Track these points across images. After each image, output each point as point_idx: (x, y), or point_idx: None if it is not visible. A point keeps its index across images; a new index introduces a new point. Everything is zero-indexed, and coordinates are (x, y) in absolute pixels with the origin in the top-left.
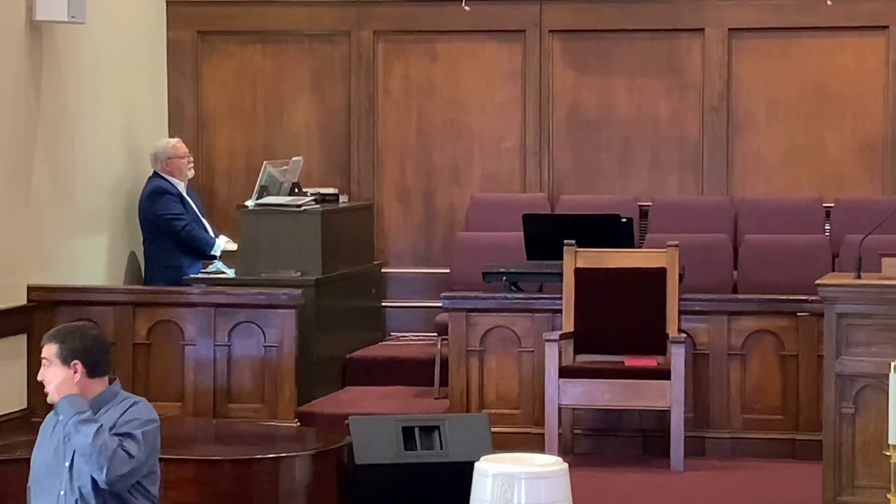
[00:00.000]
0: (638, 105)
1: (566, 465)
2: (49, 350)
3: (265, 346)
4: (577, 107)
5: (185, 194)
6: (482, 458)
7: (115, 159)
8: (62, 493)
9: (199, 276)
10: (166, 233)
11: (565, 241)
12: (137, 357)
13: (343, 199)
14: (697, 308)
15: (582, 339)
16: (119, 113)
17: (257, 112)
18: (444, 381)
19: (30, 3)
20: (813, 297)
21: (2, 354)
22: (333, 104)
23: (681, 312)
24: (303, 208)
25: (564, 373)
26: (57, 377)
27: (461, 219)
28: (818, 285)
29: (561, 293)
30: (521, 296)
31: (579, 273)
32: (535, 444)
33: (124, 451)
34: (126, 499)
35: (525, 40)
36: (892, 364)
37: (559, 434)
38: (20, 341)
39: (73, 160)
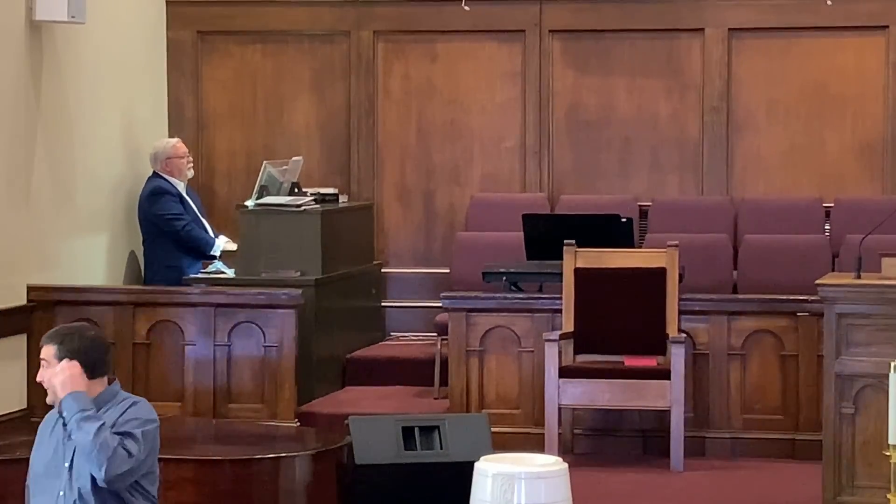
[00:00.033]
0: (638, 105)
1: (566, 465)
2: (48, 351)
3: (265, 346)
4: (577, 107)
5: (184, 194)
6: (482, 458)
7: (115, 159)
8: (61, 493)
9: (199, 276)
10: (166, 233)
11: (565, 241)
12: (137, 357)
13: (343, 199)
14: (697, 308)
15: (582, 339)
16: (119, 113)
17: (257, 112)
18: (444, 381)
19: (30, 3)
20: (813, 297)
21: (2, 354)
22: (333, 104)
23: (681, 312)
24: (303, 208)
25: (564, 373)
26: (63, 373)
27: (461, 219)
28: (818, 285)
29: (561, 293)
30: (521, 296)
31: (579, 273)
32: (535, 444)
33: (124, 449)
34: (125, 498)
35: (525, 40)
36: (892, 364)
37: (559, 434)
38: (20, 341)
39: (73, 160)
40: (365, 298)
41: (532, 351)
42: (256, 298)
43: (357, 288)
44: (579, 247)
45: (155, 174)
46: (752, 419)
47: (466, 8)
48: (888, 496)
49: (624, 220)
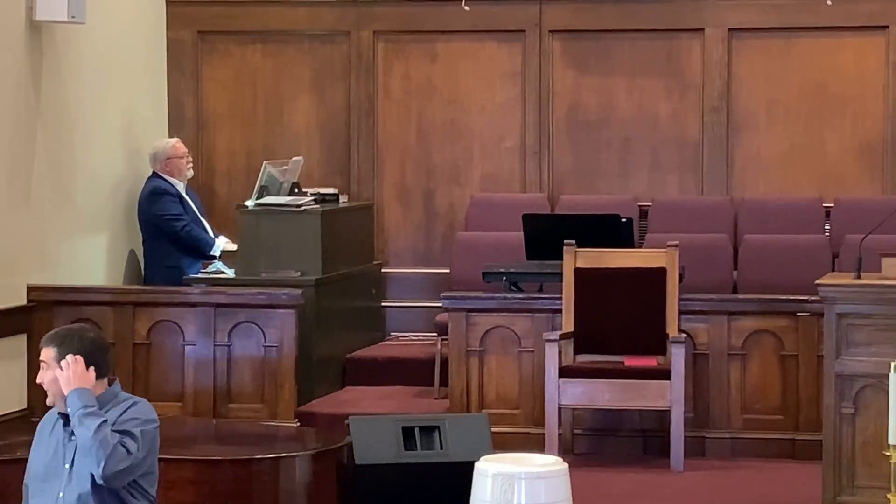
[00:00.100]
0: (638, 105)
1: (566, 465)
2: (47, 353)
3: (265, 346)
4: (577, 107)
5: (184, 194)
6: (482, 458)
7: (115, 159)
8: (61, 494)
9: (199, 276)
10: (166, 233)
11: (565, 241)
12: (137, 357)
13: (343, 199)
14: (697, 308)
15: (582, 339)
16: (119, 113)
17: (257, 112)
18: (444, 381)
19: (30, 3)
20: (813, 297)
21: (2, 354)
22: (333, 104)
23: (681, 312)
24: (303, 208)
25: (564, 373)
26: (69, 369)
27: (461, 219)
28: (818, 285)
29: (561, 293)
30: (521, 296)
31: (579, 273)
32: (535, 444)
33: (123, 447)
34: (125, 499)
35: (525, 40)
36: (892, 364)
37: (559, 434)
38: (20, 341)
39: (73, 160)
40: (365, 298)
41: (532, 351)
42: (256, 298)
43: (357, 288)
44: (579, 247)
45: (154, 174)
46: (752, 419)
47: (466, 8)
48: (888, 496)
49: (624, 220)
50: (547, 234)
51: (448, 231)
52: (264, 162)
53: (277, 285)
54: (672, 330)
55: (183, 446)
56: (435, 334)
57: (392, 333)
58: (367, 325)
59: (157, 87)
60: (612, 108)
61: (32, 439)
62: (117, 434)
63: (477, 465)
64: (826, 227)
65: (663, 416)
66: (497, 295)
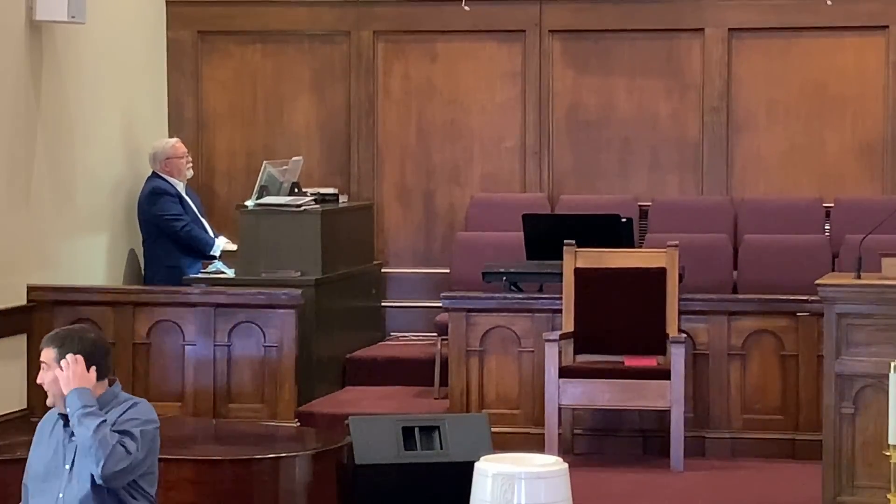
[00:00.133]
0: (638, 105)
1: (566, 465)
2: (48, 354)
3: (265, 346)
4: (577, 107)
5: (184, 194)
6: (482, 458)
7: (115, 159)
8: (60, 495)
9: (199, 276)
10: (166, 233)
11: (565, 241)
12: (137, 357)
13: (343, 199)
14: (697, 308)
15: (582, 339)
16: (119, 113)
17: (257, 112)
18: (444, 381)
19: (30, 3)
20: (813, 297)
21: (2, 354)
22: (333, 104)
23: (681, 312)
24: (303, 208)
25: (564, 373)
26: (68, 369)
27: (461, 219)
28: (818, 285)
29: (561, 293)
30: (521, 296)
31: (579, 273)
32: (535, 444)
33: (123, 447)
34: (124, 499)
35: (525, 40)
36: (892, 364)
37: (559, 434)
38: (20, 341)
39: (73, 160)
40: (365, 298)
41: (532, 351)
42: (256, 298)
43: (357, 288)
44: (579, 247)
45: (154, 174)
46: (752, 419)
47: (466, 8)
48: (888, 496)
49: (624, 220)
50: (547, 234)
51: (448, 231)
52: (264, 162)
53: (277, 285)
54: (672, 330)
55: (183, 446)
56: (435, 334)
57: (392, 333)
58: (367, 325)
59: (157, 87)
60: (612, 108)
61: (32, 439)
62: (117, 434)
63: (477, 465)
64: (826, 227)
65: (663, 416)
66: (497, 295)
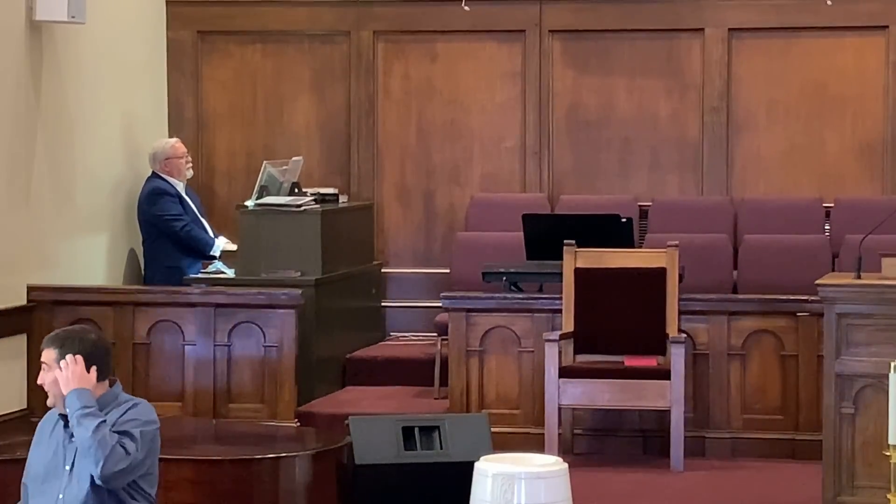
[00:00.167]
0: (638, 105)
1: (566, 465)
2: (48, 355)
3: (265, 346)
4: (577, 107)
5: (184, 194)
6: (482, 458)
7: (115, 159)
8: (61, 496)
9: (199, 276)
10: (165, 233)
11: (565, 241)
12: (137, 357)
13: (343, 199)
14: (697, 308)
15: (582, 339)
16: (119, 113)
17: (257, 112)
18: (444, 381)
19: (30, 3)
20: (813, 297)
21: (2, 354)
22: (333, 104)
23: (681, 312)
24: (303, 208)
25: (564, 373)
26: (68, 369)
27: (461, 219)
28: (818, 285)
29: (561, 293)
30: (521, 296)
31: (579, 273)
32: (535, 444)
33: (122, 447)
34: (124, 500)
35: (525, 40)
36: (892, 364)
37: (559, 434)
38: (20, 341)
39: (73, 160)
40: (365, 298)
41: (532, 351)
42: (256, 298)
43: (357, 288)
44: (579, 247)
45: (154, 174)
46: (752, 419)
47: (466, 8)
48: (888, 496)
49: (624, 220)
50: (547, 234)
51: (448, 231)
52: (264, 162)
53: (277, 285)
54: (672, 330)
55: (183, 446)
56: (435, 334)
57: (392, 333)
58: (367, 325)
59: (157, 87)
60: (612, 108)
61: (32, 439)
62: (116, 435)
63: (477, 465)
64: (826, 227)
65: (663, 416)
66: (497, 295)
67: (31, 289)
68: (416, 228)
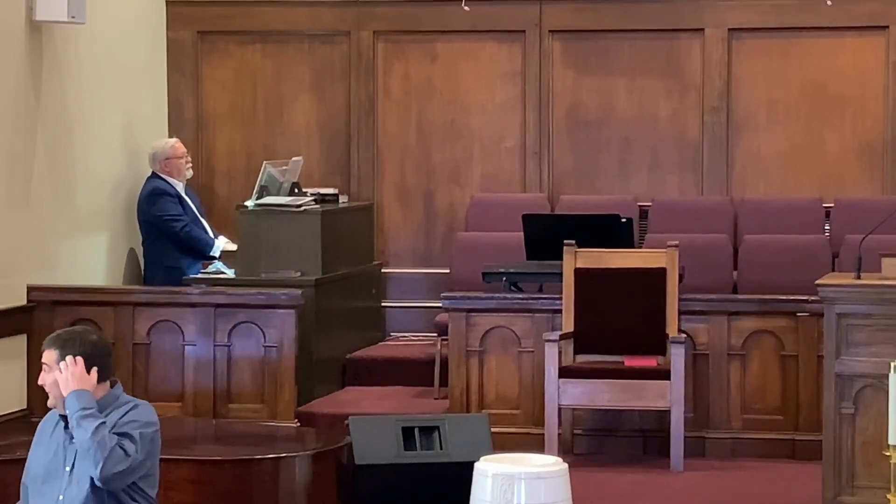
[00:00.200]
0: (638, 105)
1: (566, 465)
2: (49, 356)
3: (265, 346)
4: (577, 107)
5: (183, 195)
6: (482, 458)
7: (115, 159)
8: (61, 497)
9: (199, 276)
10: (165, 234)
11: (565, 241)
12: (137, 357)
13: (343, 199)
14: (697, 308)
15: (582, 339)
16: (119, 113)
17: (257, 112)
18: (444, 381)
19: (30, 3)
20: (813, 297)
21: (2, 354)
22: (333, 104)
23: (681, 312)
24: (303, 208)
25: (564, 373)
26: (67, 370)
27: (461, 219)
28: (818, 285)
29: (561, 293)
30: (521, 296)
31: (579, 273)
32: (535, 444)
33: (121, 449)
34: (124, 501)
35: (525, 40)
36: (892, 364)
37: (559, 434)
38: (20, 341)
39: (73, 160)
40: (365, 298)
41: (532, 351)
42: (256, 298)
43: (357, 288)
44: (579, 247)
45: (154, 175)
46: (752, 419)
47: (466, 8)
48: (888, 496)
49: (624, 220)
50: (547, 234)
51: (448, 231)
52: (264, 162)
53: (277, 285)
54: (672, 330)
55: (183, 446)
56: (435, 334)
57: (392, 333)
58: (367, 325)
59: (157, 87)
60: (612, 108)
61: (32, 439)
62: (115, 436)
63: (477, 465)
64: (826, 227)
65: (663, 416)
66: (497, 295)
67: (31, 289)
68: (416, 228)
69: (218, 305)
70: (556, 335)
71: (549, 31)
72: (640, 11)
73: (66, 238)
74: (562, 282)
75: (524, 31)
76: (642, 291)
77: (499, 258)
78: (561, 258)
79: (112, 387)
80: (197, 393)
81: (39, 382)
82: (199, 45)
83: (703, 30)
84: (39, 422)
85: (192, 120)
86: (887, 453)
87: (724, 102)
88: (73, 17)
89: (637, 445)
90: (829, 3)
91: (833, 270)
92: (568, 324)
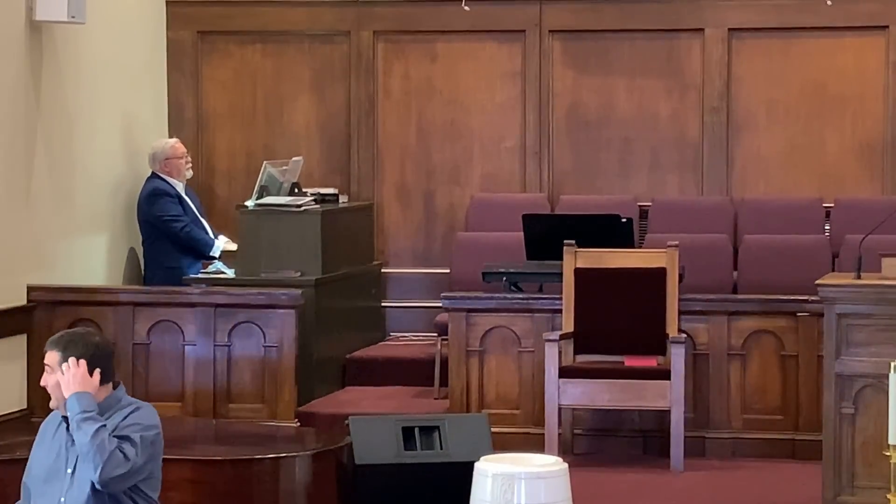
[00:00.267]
0: (638, 105)
1: (566, 465)
2: (51, 357)
3: (265, 346)
4: (577, 107)
5: (183, 195)
6: (482, 458)
7: (115, 159)
8: (62, 499)
9: (199, 276)
10: (165, 234)
11: (565, 241)
12: (137, 357)
13: (343, 199)
14: (697, 308)
15: (582, 339)
16: (119, 113)
17: (257, 112)
18: (444, 381)
19: (30, 3)
20: (813, 297)
21: (2, 354)
22: (333, 104)
23: (681, 312)
24: (303, 208)
25: (564, 373)
26: (69, 372)
27: (461, 219)
28: (818, 285)
29: (561, 293)
30: (521, 296)
31: (579, 273)
32: (535, 444)
33: (121, 452)
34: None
35: (525, 40)
36: (892, 364)
37: (559, 434)
38: (20, 341)
39: (73, 160)
40: (365, 298)
41: (532, 351)
42: (256, 298)
43: (357, 288)
44: (579, 247)
45: (153, 175)
46: (752, 419)
47: (466, 8)
48: (888, 496)
49: (624, 220)
50: (547, 234)
51: (448, 231)
52: (264, 162)
53: (277, 285)
54: (672, 330)
55: (183, 446)
56: (435, 334)
57: (392, 333)
58: (367, 325)
59: (157, 87)
60: (612, 108)
61: (32, 439)
62: (115, 439)
63: (477, 465)
64: (826, 227)
65: (663, 416)
66: (497, 295)
67: (30, 289)
68: (416, 228)
69: (218, 305)
70: (556, 335)
71: (549, 31)
72: (640, 11)
73: (66, 238)
74: (562, 282)
75: (524, 31)
76: (642, 291)
77: (499, 258)
78: (561, 258)
79: (114, 388)
80: (197, 393)
81: (42, 384)
82: (199, 45)
83: (703, 30)
84: (39, 422)
85: (192, 120)
86: (887, 453)
87: (724, 102)
88: (73, 17)
89: (637, 445)
90: (829, 3)
91: (833, 270)
92: (568, 324)
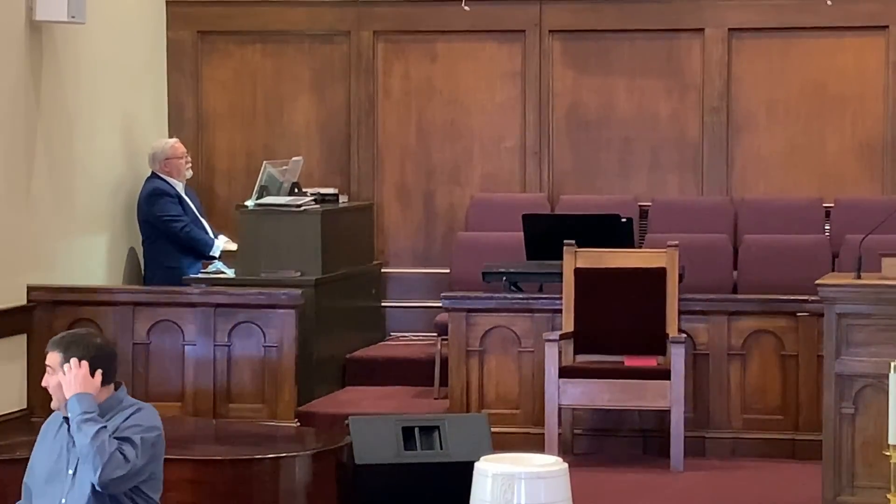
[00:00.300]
0: (638, 105)
1: (566, 465)
2: (53, 358)
3: (265, 346)
4: (577, 107)
5: (183, 195)
6: (482, 458)
7: (115, 159)
8: (63, 500)
9: (199, 276)
10: (165, 234)
11: (565, 241)
12: (137, 357)
13: (343, 199)
14: (697, 308)
15: (582, 339)
16: (119, 113)
17: (257, 112)
18: (444, 381)
19: (30, 3)
20: (813, 297)
21: (2, 354)
22: (333, 104)
23: (681, 312)
24: (303, 208)
25: (564, 373)
26: (70, 373)
27: (461, 219)
28: (818, 285)
29: (561, 293)
30: (521, 296)
31: (579, 273)
32: (535, 444)
33: (121, 454)
34: None
35: (525, 40)
36: (892, 364)
37: (559, 434)
38: (20, 341)
39: (73, 160)
40: (365, 298)
41: (532, 351)
42: (256, 298)
43: (357, 288)
44: (579, 247)
45: (153, 175)
46: (752, 419)
47: (466, 8)
48: (888, 496)
49: (624, 220)
50: (547, 234)
51: (448, 231)
52: (264, 162)
53: (277, 285)
54: (672, 330)
55: (183, 446)
56: (435, 334)
57: (392, 333)
58: (367, 325)
59: (157, 87)
60: (612, 108)
61: (32, 439)
62: (116, 441)
63: (477, 465)
64: (826, 227)
65: (663, 416)
66: (497, 295)
67: (30, 289)
68: (416, 228)
69: (218, 305)
70: (556, 335)
71: (549, 31)
72: (640, 11)
73: (66, 238)
74: (562, 282)
75: (524, 31)
76: (642, 291)
77: (499, 258)
78: (561, 258)
79: (116, 389)
80: (197, 393)
81: (43, 384)
82: (199, 45)
83: (703, 30)
84: (39, 422)
85: (192, 120)
86: (887, 453)
87: (724, 102)
88: (73, 17)
89: (637, 445)
90: (829, 3)
91: (833, 270)
92: (568, 324)
